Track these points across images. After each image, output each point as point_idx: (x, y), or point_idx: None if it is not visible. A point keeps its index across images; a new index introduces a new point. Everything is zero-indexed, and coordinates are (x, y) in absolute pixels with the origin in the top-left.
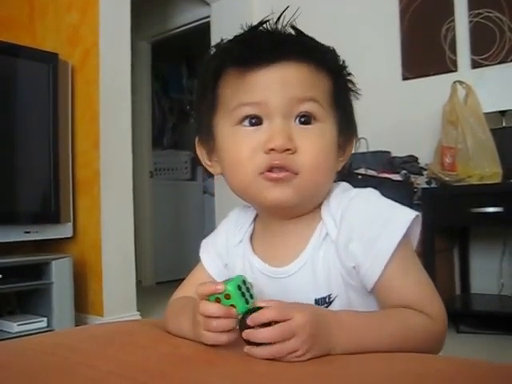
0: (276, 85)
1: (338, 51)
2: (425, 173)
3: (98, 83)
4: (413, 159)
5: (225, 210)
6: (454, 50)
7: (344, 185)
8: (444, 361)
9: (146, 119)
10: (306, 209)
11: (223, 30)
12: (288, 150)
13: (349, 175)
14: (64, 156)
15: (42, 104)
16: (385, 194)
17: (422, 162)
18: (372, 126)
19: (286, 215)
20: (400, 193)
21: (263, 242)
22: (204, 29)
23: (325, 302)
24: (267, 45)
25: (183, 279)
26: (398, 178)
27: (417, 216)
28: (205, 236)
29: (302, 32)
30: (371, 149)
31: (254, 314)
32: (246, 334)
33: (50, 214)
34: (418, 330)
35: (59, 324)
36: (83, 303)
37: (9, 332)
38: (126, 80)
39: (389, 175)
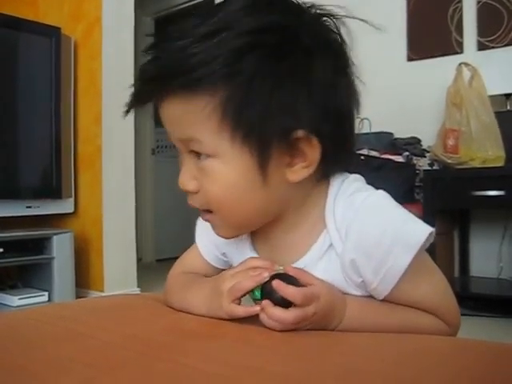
0: (166, 125)
1: (344, 31)
2: (427, 155)
3: (100, 59)
4: (415, 141)
5: None
6: (460, 32)
7: (351, 181)
8: (447, 341)
9: None
10: (282, 219)
11: None
12: (191, 192)
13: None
14: (66, 131)
15: (44, 78)
16: (387, 176)
17: (425, 143)
18: (375, 106)
19: (273, 229)
20: (402, 174)
21: (265, 242)
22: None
23: None
24: (151, 81)
25: None
26: (400, 160)
27: (431, 233)
28: None
29: (168, 46)
30: (374, 130)
31: (283, 289)
32: (276, 283)
33: (52, 189)
34: (428, 329)
35: (60, 299)
36: (84, 278)
37: (10, 306)
38: (129, 56)
39: (391, 156)
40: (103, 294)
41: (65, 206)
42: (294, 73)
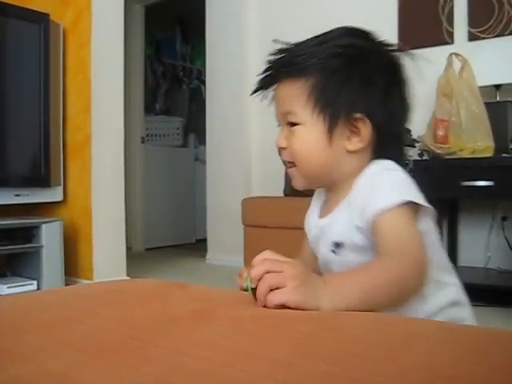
0: (277, 102)
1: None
2: (417, 145)
3: (89, 46)
4: (405, 131)
5: (216, 178)
6: (451, 22)
7: (378, 166)
8: (432, 324)
9: (139, 84)
10: (334, 182)
11: None
12: (282, 147)
13: None
14: (55, 119)
15: (32, 65)
16: None
17: (415, 134)
18: None
19: (324, 187)
20: None
21: (323, 210)
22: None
23: (338, 245)
24: (270, 71)
25: (173, 246)
26: None
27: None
28: (195, 203)
29: (288, 49)
30: None
31: (253, 270)
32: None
33: (41, 177)
34: (384, 279)
35: (49, 287)
36: (73, 267)
37: None
38: (118, 43)
39: None
40: (91, 282)
41: (54, 195)
42: (360, 74)
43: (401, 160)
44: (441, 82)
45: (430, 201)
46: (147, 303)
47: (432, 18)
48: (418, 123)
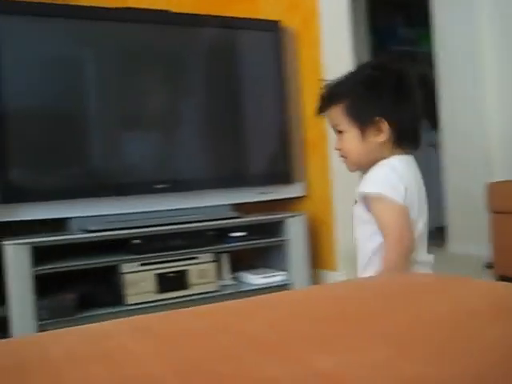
0: (329, 120)
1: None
2: None
3: (319, 46)
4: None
5: (454, 163)
6: None
7: (394, 159)
8: None
9: None
10: (369, 166)
11: None
12: (337, 148)
13: None
14: (294, 118)
15: (268, 69)
16: None
17: None
18: None
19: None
20: None
21: None
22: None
23: (356, 201)
24: (321, 103)
25: None
26: None
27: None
28: (430, 190)
29: (329, 84)
30: None
31: None
32: None
33: (283, 174)
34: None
35: (296, 278)
36: (317, 258)
37: (251, 284)
38: (346, 38)
39: None
40: (336, 273)
41: (296, 190)
42: (375, 93)
43: (416, 146)
44: None
45: None
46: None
47: None
48: None
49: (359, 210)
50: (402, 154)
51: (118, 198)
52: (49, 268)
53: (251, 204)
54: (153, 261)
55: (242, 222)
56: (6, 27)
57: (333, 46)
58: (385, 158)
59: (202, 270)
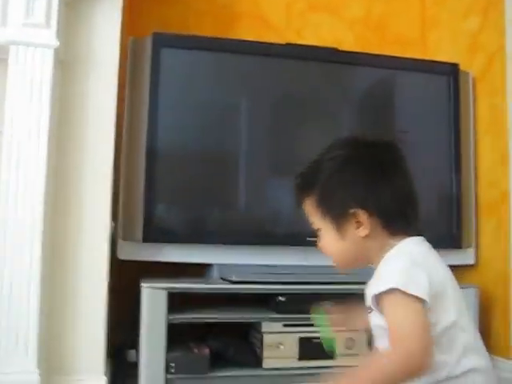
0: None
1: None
2: None
3: (503, 93)
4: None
5: None
6: None
7: (407, 242)
8: None
9: None
10: (370, 261)
11: None
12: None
13: None
14: (466, 174)
15: (441, 119)
16: None
17: None
18: None
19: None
20: None
21: None
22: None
23: (370, 309)
24: (295, 193)
25: None
26: None
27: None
28: None
29: (300, 174)
30: None
31: None
32: None
33: (451, 237)
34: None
35: None
36: (487, 341)
37: None
38: None
39: None
40: (509, 362)
41: (465, 257)
42: (341, 181)
43: (414, 227)
44: None
45: None
46: None
47: None
48: None
49: (376, 319)
50: (406, 237)
51: (264, 248)
52: (185, 318)
53: None
54: (298, 323)
55: None
56: (168, 60)
57: None
58: (385, 249)
59: (350, 338)
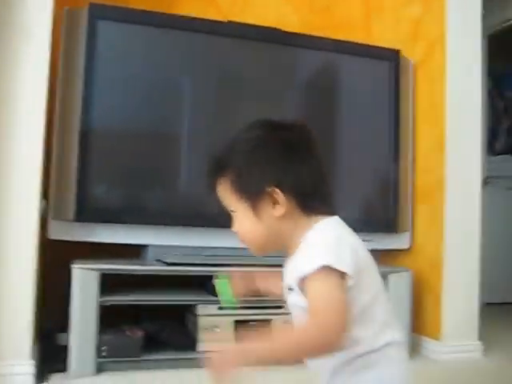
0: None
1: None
2: None
3: (442, 81)
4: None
5: None
6: None
7: (326, 221)
8: None
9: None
10: (285, 244)
11: None
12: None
13: None
14: (404, 160)
15: (380, 105)
16: None
17: None
18: None
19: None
20: None
21: None
22: None
23: (291, 289)
24: (208, 175)
25: None
26: None
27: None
28: None
29: (215, 156)
30: None
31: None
32: None
33: (387, 222)
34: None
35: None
36: (418, 323)
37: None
38: (475, 77)
39: None
40: (438, 343)
41: (400, 241)
42: (256, 160)
43: (329, 211)
44: None
45: None
46: None
47: None
48: None
49: (294, 298)
50: (322, 217)
51: (201, 230)
52: (117, 300)
53: None
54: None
55: None
56: (105, 34)
57: (458, 82)
58: (301, 229)
59: (286, 320)
